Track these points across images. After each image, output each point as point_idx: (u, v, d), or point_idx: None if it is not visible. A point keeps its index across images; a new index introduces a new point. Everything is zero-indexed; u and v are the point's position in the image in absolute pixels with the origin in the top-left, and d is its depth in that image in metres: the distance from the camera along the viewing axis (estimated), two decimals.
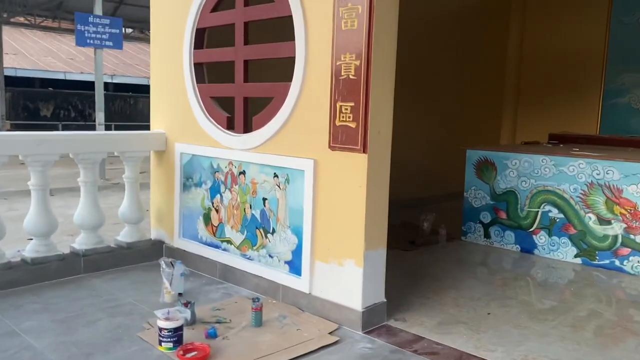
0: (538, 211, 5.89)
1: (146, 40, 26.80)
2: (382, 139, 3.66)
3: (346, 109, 3.62)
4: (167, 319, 3.27)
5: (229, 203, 4.60)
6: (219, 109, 4.69)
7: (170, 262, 4.17)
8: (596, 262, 5.52)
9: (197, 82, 4.83)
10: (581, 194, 5.60)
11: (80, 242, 4.79)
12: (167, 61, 5.13)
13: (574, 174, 5.64)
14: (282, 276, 4.18)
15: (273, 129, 4.15)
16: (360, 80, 3.52)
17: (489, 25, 9.11)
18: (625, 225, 5.33)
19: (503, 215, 6.15)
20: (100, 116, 11.31)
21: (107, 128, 13.48)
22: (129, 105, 26.87)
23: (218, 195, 4.69)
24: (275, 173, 4.19)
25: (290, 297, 4.10)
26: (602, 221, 5.47)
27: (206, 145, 4.75)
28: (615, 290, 4.96)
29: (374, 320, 3.75)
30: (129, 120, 25.41)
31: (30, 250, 4.48)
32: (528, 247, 5.95)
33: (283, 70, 4.24)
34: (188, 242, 5.01)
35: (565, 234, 5.71)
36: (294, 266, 4.09)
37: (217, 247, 4.74)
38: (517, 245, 6.05)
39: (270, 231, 4.26)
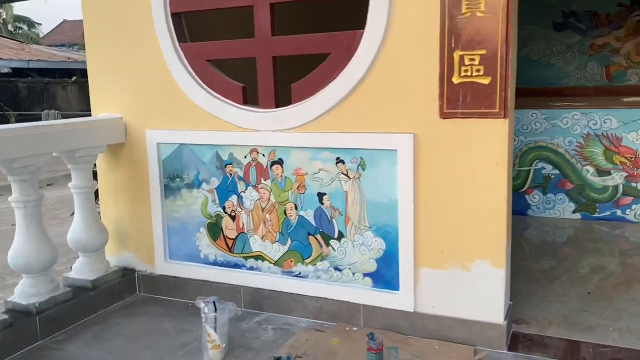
0: (530, 169, 5.52)
1: None
2: (512, 96, 2.78)
3: (472, 60, 2.66)
4: None
5: (255, 205, 3.34)
6: (226, 77, 3.34)
7: (213, 302, 2.85)
8: (597, 214, 5.33)
9: (179, 42, 3.39)
10: (577, 146, 5.33)
11: (28, 293, 3.14)
12: (118, 12, 3.54)
13: (568, 126, 5.35)
14: (362, 294, 3.12)
15: (334, 98, 3.00)
16: (498, 17, 2.58)
17: None
18: (626, 174, 5.20)
19: None
20: None
21: None
22: None
23: (234, 197, 3.39)
24: (338, 158, 3.06)
25: (379, 319, 3.08)
26: (601, 172, 5.28)
27: (206, 129, 3.38)
28: (618, 240, 4.80)
29: (508, 332, 2.94)
30: None
31: None
32: (520, 209, 5.57)
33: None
34: (181, 265, 3.62)
35: (561, 190, 5.43)
36: (383, 279, 3.06)
37: (238, 266, 3.46)
38: None
39: (335, 236, 3.15)
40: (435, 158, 2.83)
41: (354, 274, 3.13)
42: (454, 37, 2.67)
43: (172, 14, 3.35)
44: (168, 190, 3.59)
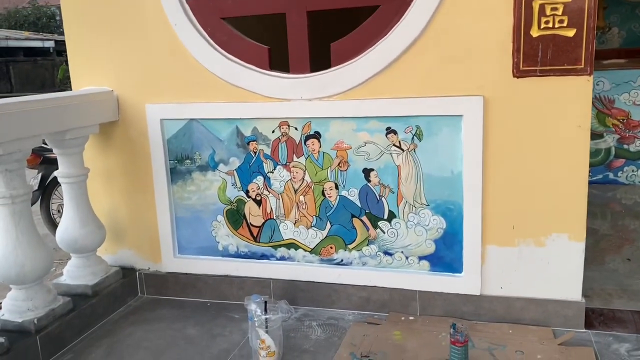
0: None
1: None
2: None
3: (555, 9, 2.35)
4: None
5: (286, 187, 2.91)
6: (246, 38, 2.85)
7: (265, 302, 2.42)
8: (589, 178, 5.27)
9: None
10: None
11: (23, 308, 2.57)
12: None
13: None
14: (417, 279, 2.80)
15: (385, 58, 2.61)
16: None
17: None
18: (618, 137, 5.17)
19: None
20: None
21: None
22: None
23: (259, 178, 2.94)
24: (389, 128, 2.69)
25: (439, 306, 2.78)
26: (594, 135, 5.21)
27: (223, 100, 2.89)
28: (610, 203, 4.80)
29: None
30: None
31: None
32: None
33: None
34: (194, 260, 3.14)
35: None
36: (442, 261, 2.75)
37: (266, 257, 3.03)
38: None
39: (385, 217, 2.79)
40: (508, 123, 2.52)
41: (407, 257, 2.80)
42: None
43: None
44: (175, 174, 3.07)
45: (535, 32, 2.39)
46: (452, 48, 2.52)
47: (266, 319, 2.39)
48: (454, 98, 2.55)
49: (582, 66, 2.37)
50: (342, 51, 2.68)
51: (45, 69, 19.39)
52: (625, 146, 5.15)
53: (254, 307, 2.39)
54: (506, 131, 2.53)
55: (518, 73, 2.45)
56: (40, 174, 4.76)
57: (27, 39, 19.66)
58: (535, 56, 2.40)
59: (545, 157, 2.51)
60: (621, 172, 5.20)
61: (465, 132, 2.56)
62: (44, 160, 4.72)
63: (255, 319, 2.38)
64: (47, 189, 4.77)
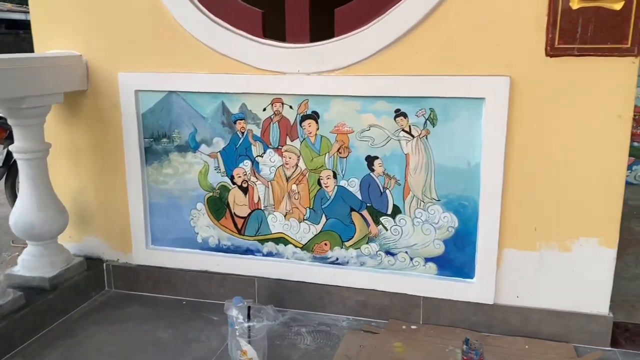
0: None
1: None
2: None
3: None
4: None
5: (277, 174, 2.55)
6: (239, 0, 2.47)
7: (248, 307, 2.07)
8: None
9: None
10: None
11: None
12: None
13: None
14: (423, 283, 2.47)
15: (398, 28, 2.25)
16: None
17: None
18: None
19: None
20: None
21: None
22: None
23: (246, 163, 2.58)
24: (399, 110, 2.34)
25: (446, 314, 2.45)
26: None
27: (207, 71, 2.52)
28: None
29: None
30: None
31: None
32: None
33: None
34: (170, 252, 2.78)
35: None
36: (452, 265, 2.42)
37: (251, 252, 2.68)
38: None
39: (388, 212, 2.45)
40: (537, 108, 2.18)
41: (412, 259, 2.46)
42: None
43: None
44: (150, 154, 2.70)
45: (575, 4, 2.04)
46: (475, 20, 2.17)
47: (249, 327, 2.05)
48: (476, 78, 2.20)
49: (629, 45, 2.03)
50: (348, 18, 2.31)
51: (27, 43, 18.70)
52: (636, 144, 4.86)
53: (235, 313, 2.04)
54: (534, 118, 2.19)
55: (552, 51, 2.11)
56: (5, 150, 4.34)
57: (9, 10, 18.91)
58: (573, 32, 2.06)
59: (578, 150, 2.18)
60: (629, 171, 4.91)
61: (486, 118, 2.22)
62: (10, 135, 4.30)
63: (237, 327, 2.03)
64: (12, 166, 4.36)
